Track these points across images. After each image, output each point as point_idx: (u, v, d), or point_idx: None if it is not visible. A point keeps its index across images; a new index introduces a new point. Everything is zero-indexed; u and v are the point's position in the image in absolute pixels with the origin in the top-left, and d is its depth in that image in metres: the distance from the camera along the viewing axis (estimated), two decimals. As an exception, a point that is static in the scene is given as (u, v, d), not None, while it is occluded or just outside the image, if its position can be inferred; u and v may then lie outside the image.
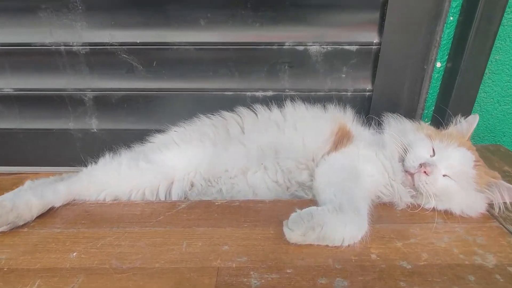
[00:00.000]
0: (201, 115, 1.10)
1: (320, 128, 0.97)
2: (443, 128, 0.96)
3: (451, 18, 1.05)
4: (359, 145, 0.92)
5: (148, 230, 0.78)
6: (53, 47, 1.13)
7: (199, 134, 1.03)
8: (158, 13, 1.08)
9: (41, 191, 0.81)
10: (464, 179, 0.80)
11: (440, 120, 1.02)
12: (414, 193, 0.83)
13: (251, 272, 0.64)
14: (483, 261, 0.67)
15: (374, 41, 1.11)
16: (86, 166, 0.93)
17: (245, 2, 1.07)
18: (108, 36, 1.12)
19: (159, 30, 1.10)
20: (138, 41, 1.12)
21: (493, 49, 1.04)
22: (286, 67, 1.16)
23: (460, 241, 0.73)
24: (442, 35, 1.08)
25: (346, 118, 1.03)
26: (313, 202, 0.83)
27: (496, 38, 1.04)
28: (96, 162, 0.95)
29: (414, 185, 0.83)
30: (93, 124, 1.27)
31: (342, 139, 0.95)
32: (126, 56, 1.15)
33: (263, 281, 0.62)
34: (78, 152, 1.17)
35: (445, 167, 0.81)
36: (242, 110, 1.09)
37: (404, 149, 0.88)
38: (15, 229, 0.76)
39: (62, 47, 1.13)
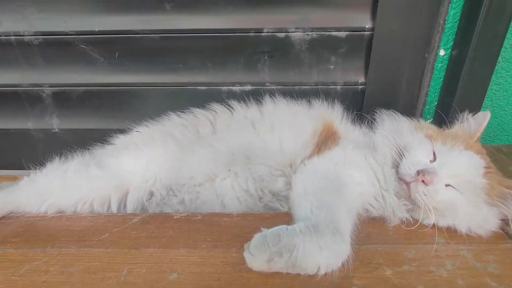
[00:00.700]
0: (171, 113, 0.97)
1: (302, 128, 0.85)
2: (447, 127, 0.82)
3: (457, -3, 0.90)
4: (346, 147, 0.79)
5: (86, 252, 0.65)
6: (2, 37, 1.00)
7: (163, 134, 0.91)
8: (117, -4, 0.95)
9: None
10: (472, 189, 0.67)
11: (444, 117, 0.90)
12: (411, 206, 0.70)
13: (198, 313, 0.51)
14: (496, 297, 0.53)
15: (367, 26, 0.97)
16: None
17: (217, -18, 0.93)
18: (63, 24, 0.99)
19: (118, 16, 0.97)
20: (96, 30, 0.99)
21: (508, 33, 0.88)
22: (266, 57, 1.01)
23: (467, 268, 0.60)
24: (446, 17, 0.93)
25: (333, 116, 0.90)
26: (290, 215, 0.70)
27: (512, 20, 0.88)
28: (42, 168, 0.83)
29: (410, 196, 0.70)
30: (54, 123, 1.14)
31: (326, 140, 0.82)
32: (85, 47, 1.02)
33: (210, 325, 0.49)
34: (40, 154, 1.05)
35: (447, 175, 0.68)
36: (216, 107, 0.97)
37: (399, 152, 0.74)
38: None
39: (12, 37, 1.01)
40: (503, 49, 0.92)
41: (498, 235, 0.67)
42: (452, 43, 0.94)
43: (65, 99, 1.11)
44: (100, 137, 0.98)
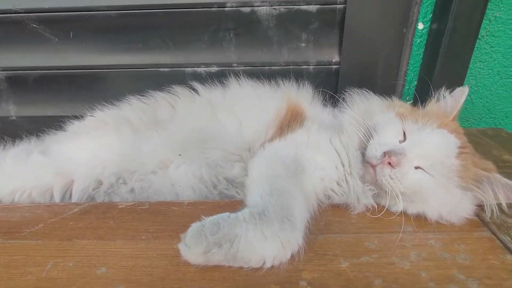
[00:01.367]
0: (131, 97, 0.90)
1: (264, 109, 0.77)
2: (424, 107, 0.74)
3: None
4: (310, 129, 0.72)
5: (13, 244, 0.59)
6: None
7: (117, 119, 0.83)
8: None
9: None
10: (444, 172, 0.60)
11: (425, 96, 0.81)
12: (376, 191, 0.62)
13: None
14: (462, 292, 0.47)
15: (339, -1, 0.88)
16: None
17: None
18: (11, 0, 0.91)
19: (68, -10, 0.89)
20: (46, 7, 0.92)
21: (490, 3, 0.80)
22: (232, 35, 0.94)
23: (434, 259, 0.53)
24: (424, -13, 0.84)
25: (301, 96, 0.82)
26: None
27: (496, -11, 0.80)
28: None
29: (376, 181, 0.62)
30: (11, 110, 1.08)
31: (290, 122, 0.74)
32: (36, 26, 0.94)
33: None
34: (-1, 144, 0.99)
35: (417, 155, 0.60)
36: (179, 90, 0.89)
37: (367, 133, 0.66)
38: None
39: (-43, 16, 0.93)
40: (487, 22, 0.84)
41: (473, 223, 0.60)
42: (431, 15, 0.86)
43: (21, 84, 1.04)
44: (61, 125, 0.91)
